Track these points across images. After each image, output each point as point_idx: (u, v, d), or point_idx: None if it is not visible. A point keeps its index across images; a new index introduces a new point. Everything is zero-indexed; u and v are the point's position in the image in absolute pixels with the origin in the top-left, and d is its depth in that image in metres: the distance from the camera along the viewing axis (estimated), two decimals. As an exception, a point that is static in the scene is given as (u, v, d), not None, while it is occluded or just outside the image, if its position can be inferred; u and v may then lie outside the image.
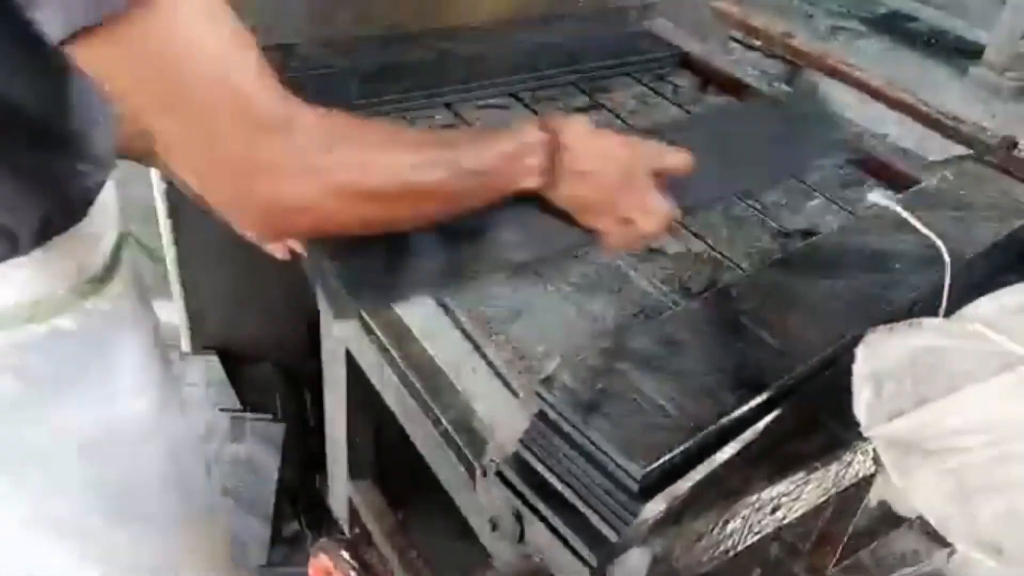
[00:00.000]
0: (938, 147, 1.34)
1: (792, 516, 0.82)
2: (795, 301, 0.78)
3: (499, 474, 0.68)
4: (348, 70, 1.23)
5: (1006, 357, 0.54)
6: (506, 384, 0.82)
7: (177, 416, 1.00)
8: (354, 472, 1.64)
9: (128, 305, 0.86)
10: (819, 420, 0.79)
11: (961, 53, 4.38)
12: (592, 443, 0.62)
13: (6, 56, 0.63)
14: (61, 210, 0.74)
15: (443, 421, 1.15)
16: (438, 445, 1.15)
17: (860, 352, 0.63)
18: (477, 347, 0.85)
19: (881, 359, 0.62)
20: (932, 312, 0.71)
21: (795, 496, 0.79)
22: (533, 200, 0.73)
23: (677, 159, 0.78)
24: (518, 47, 1.36)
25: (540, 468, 0.66)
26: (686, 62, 1.44)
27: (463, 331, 0.87)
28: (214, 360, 1.73)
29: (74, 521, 0.91)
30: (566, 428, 0.64)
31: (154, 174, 1.52)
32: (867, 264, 0.82)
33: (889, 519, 1.03)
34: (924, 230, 0.68)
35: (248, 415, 1.70)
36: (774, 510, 0.79)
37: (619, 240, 0.78)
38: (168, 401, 0.96)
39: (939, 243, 0.67)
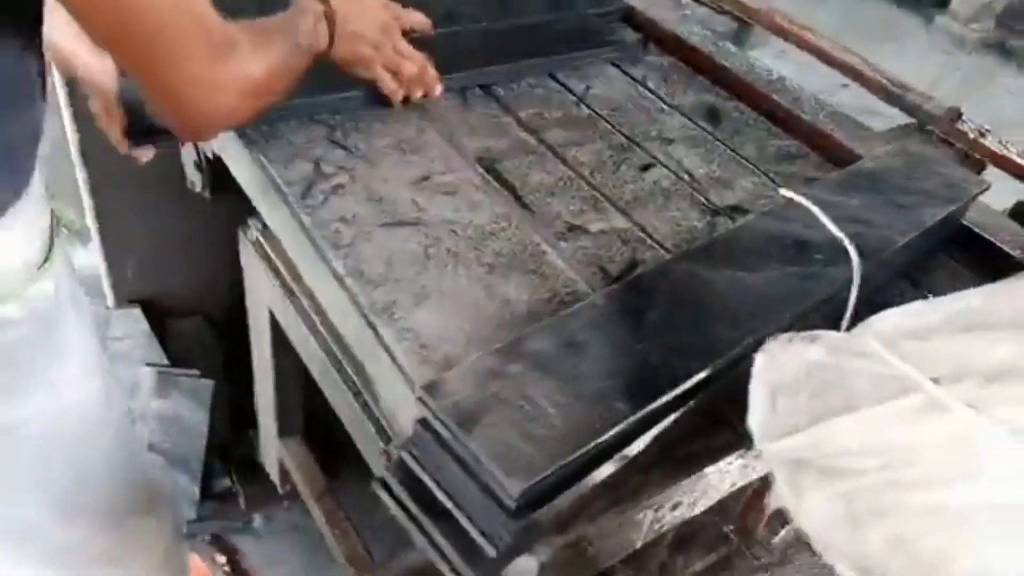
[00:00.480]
0: (884, 115, 1.30)
1: (697, 511, 0.80)
2: (706, 295, 0.74)
3: (380, 480, 0.65)
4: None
5: (902, 381, 0.51)
6: (404, 375, 0.78)
7: (120, 398, 0.98)
8: (283, 431, 1.61)
9: (68, 284, 0.82)
10: (724, 417, 0.76)
11: (928, 2, 4.33)
12: (471, 456, 0.59)
13: None
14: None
15: (363, 393, 1.12)
16: (357, 417, 1.12)
17: (758, 361, 0.60)
18: (377, 334, 0.81)
19: (778, 371, 0.59)
20: (842, 312, 0.68)
21: (699, 493, 0.77)
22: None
23: (420, 18, 1.06)
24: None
25: (423, 476, 0.63)
26: (628, 16, 1.36)
27: (364, 317, 0.82)
28: (138, 313, 1.67)
29: (17, 521, 0.87)
30: (447, 437, 0.61)
31: (66, 120, 1.44)
32: (787, 256, 0.78)
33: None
34: (835, 231, 0.64)
35: (174, 371, 1.65)
36: (675, 507, 0.77)
37: (390, 85, 1.03)
38: (111, 383, 0.94)
39: (850, 247, 0.64)
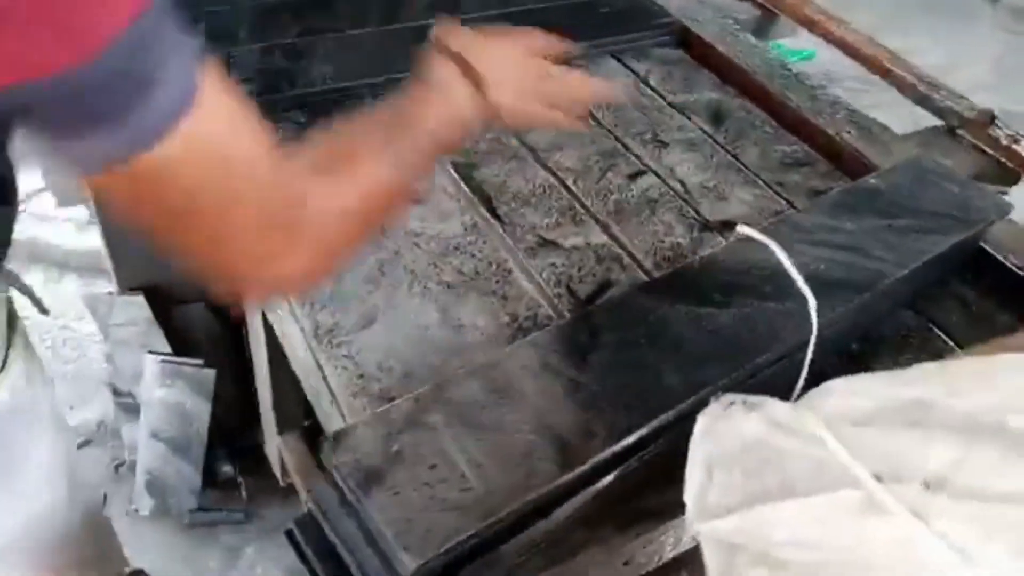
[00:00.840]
0: (911, 115, 1.20)
1: (653, 566, 0.74)
2: (662, 334, 0.67)
3: (288, 532, 0.60)
4: (247, 6, 1.10)
5: (843, 473, 0.44)
6: (339, 409, 0.73)
7: (87, 490, 0.91)
8: (282, 425, 1.59)
9: (26, 387, 0.75)
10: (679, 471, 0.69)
11: (997, -23, 4.05)
12: (370, 520, 0.54)
13: None
14: None
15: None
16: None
17: (698, 427, 0.53)
18: (316, 362, 0.76)
19: (715, 441, 0.52)
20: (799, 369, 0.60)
21: (652, 551, 0.71)
22: None
23: (552, 42, 0.84)
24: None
25: (328, 532, 0.58)
26: (638, 3, 1.27)
27: (306, 341, 0.78)
28: (141, 300, 1.65)
29: None
30: (349, 497, 0.55)
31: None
32: (760, 291, 0.70)
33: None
34: (799, 282, 0.57)
35: (177, 360, 1.64)
36: (627, 563, 0.70)
37: (569, 123, 0.81)
38: (76, 479, 0.86)
39: (811, 303, 0.56)
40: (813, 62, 2.27)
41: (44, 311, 0.83)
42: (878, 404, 0.45)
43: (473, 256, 0.86)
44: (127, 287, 1.66)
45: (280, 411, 1.55)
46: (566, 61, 0.82)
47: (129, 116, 0.44)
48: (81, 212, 2.03)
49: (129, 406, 1.75)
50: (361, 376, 0.73)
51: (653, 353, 0.65)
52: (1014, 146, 1.06)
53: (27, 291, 0.80)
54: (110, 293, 1.68)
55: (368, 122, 0.66)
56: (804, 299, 0.61)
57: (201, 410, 1.67)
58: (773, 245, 0.57)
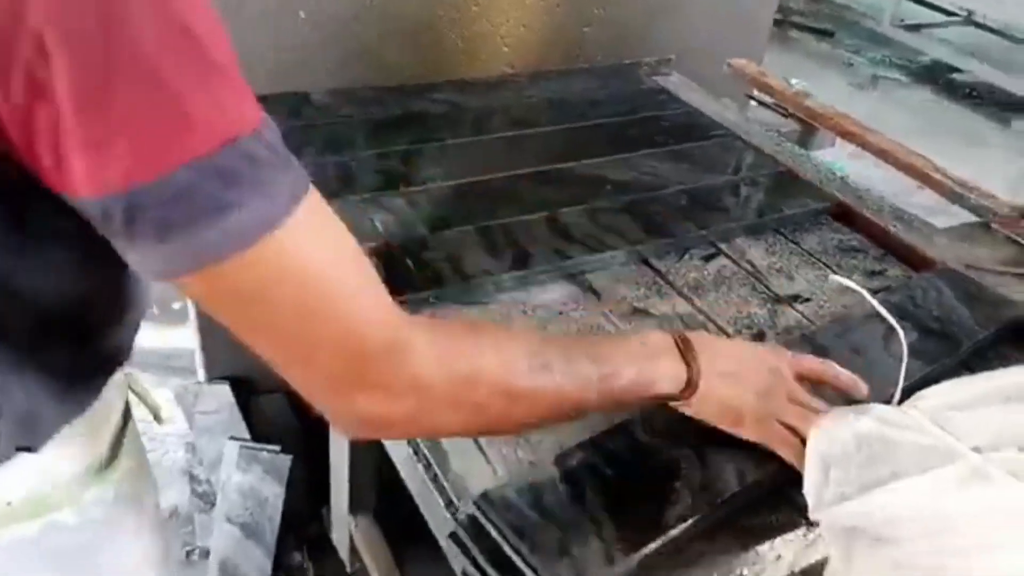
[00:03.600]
0: (947, 213, 1.34)
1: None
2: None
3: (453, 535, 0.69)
4: (359, 120, 1.27)
5: (946, 451, 0.54)
6: (479, 447, 0.83)
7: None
8: (355, 507, 1.66)
9: (130, 485, 0.76)
10: (784, 494, 0.78)
11: (1005, 107, 4.33)
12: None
13: (49, 260, 0.55)
14: (75, 398, 0.65)
15: (432, 465, 1.17)
16: (426, 489, 1.16)
17: (811, 434, 0.64)
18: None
19: (829, 443, 0.62)
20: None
21: (760, 568, 0.79)
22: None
23: (817, 363, 0.76)
24: (525, 101, 1.39)
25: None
26: (697, 119, 1.45)
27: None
28: (226, 389, 1.77)
29: None
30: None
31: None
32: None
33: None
34: (889, 318, 0.68)
35: (255, 446, 1.73)
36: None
37: (784, 447, 0.71)
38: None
39: (898, 328, 0.67)
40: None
41: (159, 419, 0.84)
42: (975, 391, 0.56)
43: (576, 321, 0.98)
44: (214, 376, 1.78)
45: (355, 491, 1.63)
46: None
47: (200, 231, 0.45)
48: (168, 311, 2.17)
49: (204, 494, 1.83)
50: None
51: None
52: (1045, 237, 1.19)
53: (145, 398, 0.82)
54: (198, 383, 1.79)
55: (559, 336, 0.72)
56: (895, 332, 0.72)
57: (275, 495, 1.75)
58: (864, 292, 0.69)
